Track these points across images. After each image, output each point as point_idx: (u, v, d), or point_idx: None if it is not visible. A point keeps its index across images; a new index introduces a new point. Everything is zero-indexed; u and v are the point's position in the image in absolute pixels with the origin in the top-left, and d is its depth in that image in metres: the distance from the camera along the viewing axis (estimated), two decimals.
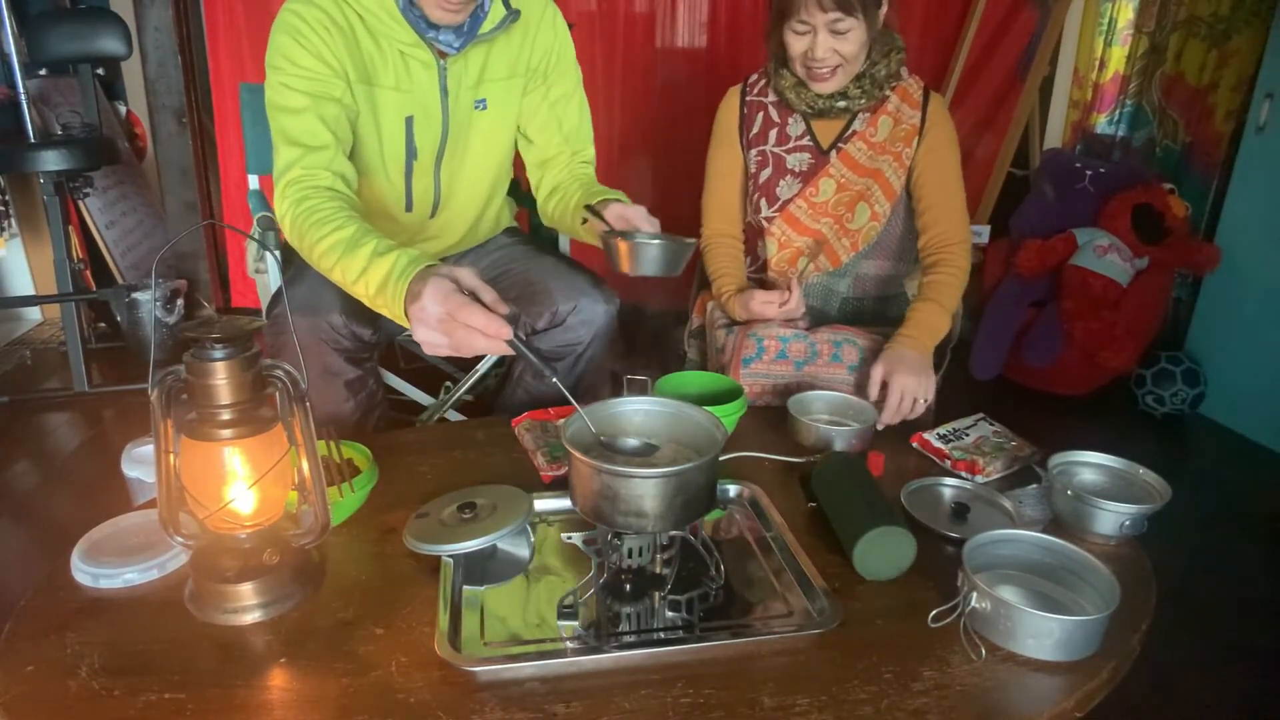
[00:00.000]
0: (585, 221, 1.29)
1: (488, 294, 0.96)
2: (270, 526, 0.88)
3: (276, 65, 1.22)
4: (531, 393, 1.50)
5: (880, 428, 1.27)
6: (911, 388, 1.27)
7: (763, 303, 1.42)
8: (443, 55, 1.30)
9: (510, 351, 0.94)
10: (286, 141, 1.22)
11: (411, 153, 1.36)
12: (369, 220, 1.24)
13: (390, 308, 1.02)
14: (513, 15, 1.31)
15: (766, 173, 1.55)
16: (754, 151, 1.56)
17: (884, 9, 1.41)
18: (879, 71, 1.45)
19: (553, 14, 1.41)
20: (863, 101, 1.46)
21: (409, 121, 1.33)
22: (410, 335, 1.00)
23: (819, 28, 1.36)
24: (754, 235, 1.62)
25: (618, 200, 1.27)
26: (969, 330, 2.57)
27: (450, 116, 1.36)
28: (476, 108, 1.38)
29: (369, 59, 1.27)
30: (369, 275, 1.05)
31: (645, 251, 1.14)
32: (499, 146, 1.46)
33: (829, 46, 1.37)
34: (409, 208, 1.42)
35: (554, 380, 0.92)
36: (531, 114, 1.44)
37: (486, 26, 1.29)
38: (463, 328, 0.92)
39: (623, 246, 1.14)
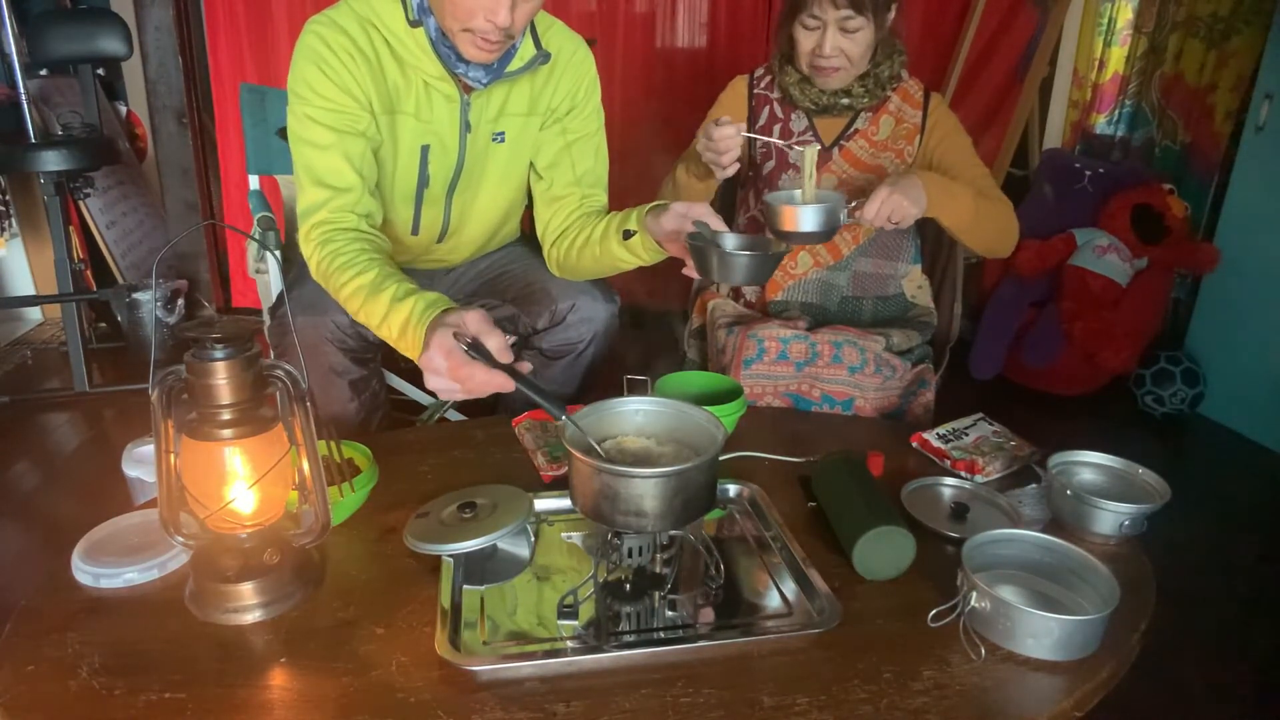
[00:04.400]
0: (629, 237, 1.25)
1: (493, 340, 0.96)
2: (270, 526, 0.88)
3: (300, 94, 1.20)
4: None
5: (856, 217, 1.30)
6: (892, 203, 1.28)
7: (720, 133, 1.28)
8: (467, 90, 1.28)
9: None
10: (312, 181, 1.21)
11: (423, 181, 1.34)
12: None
13: (412, 353, 1.04)
14: (542, 57, 1.28)
15: (770, 165, 1.55)
16: (759, 144, 1.56)
17: (892, 14, 1.42)
18: (882, 72, 1.46)
19: (582, 57, 1.39)
20: (865, 100, 1.47)
21: (424, 150, 1.31)
22: None
23: (829, 24, 1.37)
24: (754, 230, 1.62)
25: (667, 204, 1.21)
26: (969, 330, 2.57)
27: (467, 150, 1.34)
28: (494, 140, 1.36)
29: (393, 87, 1.25)
30: (390, 321, 1.06)
31: (736, 262, 1.10)
32: (514, 179, 1.44)
33: (836, 45, 1.38)
34: (415, 231, 1.42)
35: (563, 420, 0.92)
36: (545, 149, 1.41)
37: (515, 65, 1.26)
38: (470, 381, 0.95)
39: (713, 255, 1.10)
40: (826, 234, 1.30)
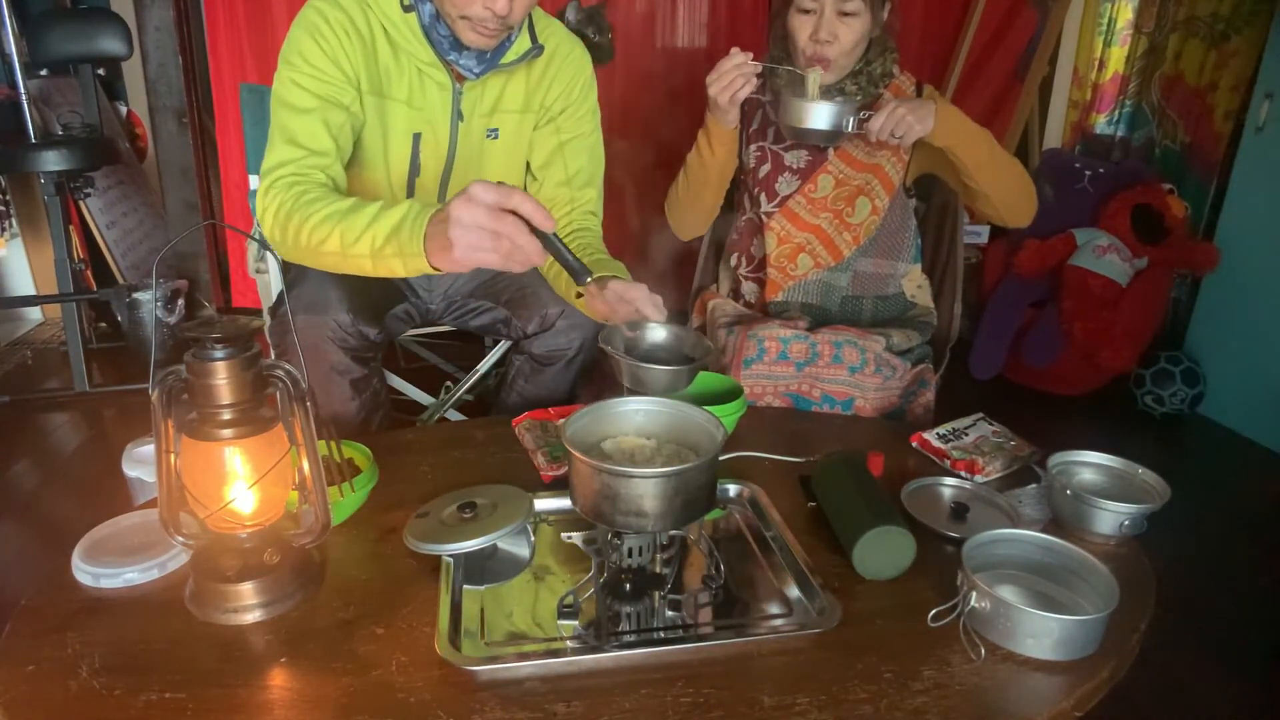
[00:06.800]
0: (580, 295, 1.23)
1: (528, 204, 0.89)
2: (271, 526, 0.88)
3: (290, 61, 1.21)
4: (526, 395, 1.50)
5: (864, 129, 1.35)
6: (896, 116, 1.32)
7: (732, 62, 1.33)
8: (460, 79, 1.29)
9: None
10: (286, 140, 1.20)
11: (415, 169, 1.35)
12: None
13: (405, 249, 0.98)
14: (536, 50, 1.29)
15: (765, 168, 1.55)
16: (753, 147, 1.56)
17: (886, 12, 1.42)
18: (875, 70, 1.47)
19: (579, 55, 1.39)
20: (859, 98, 1.47)
21: (416, 138, 1.31)
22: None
23: (826, 7, 1.37)
24: (751, 232, 1.63)
25: (615, 278, 1.14)
26: (969, 330, 2.57)
27: (459, 141, 1.34)
28: (489, 136, 1.36)
29: (385, 71, 1.26)
30: (377, 226, 1.01)
31: (646, 375, 1.02)
32: (511, 178, 1.43)
33: (832, 29, 1.38)
34: None
35: (589, 281, 0.92)
36: (538, 148, 1.41)
37: (509, 57, 1.27)
38: (505, 240, 0.88)
39: (622, 365, 1.03)
40: (833, 134, 1.38)
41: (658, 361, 1.04)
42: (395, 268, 1.03)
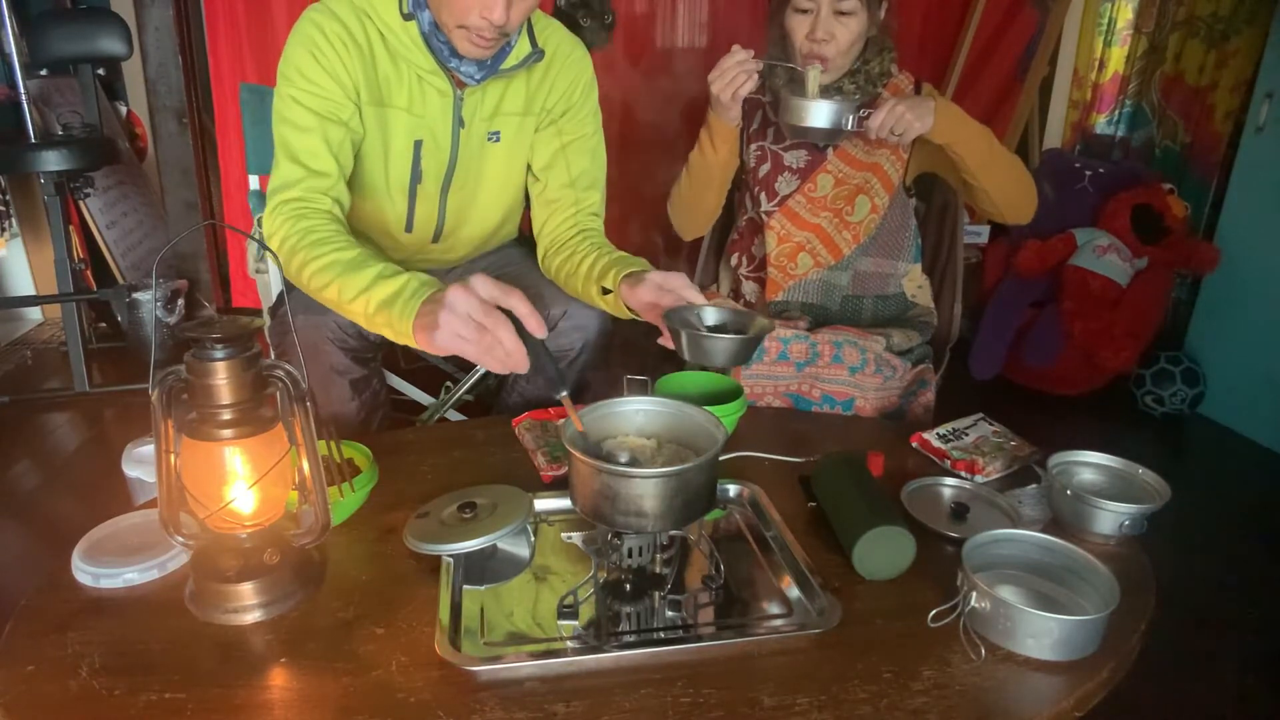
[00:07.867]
0: (607, 293, 1.23)
1: (522, 304, 0.90)
2: (271, 526, 0.88)
3: (288, 77, 1.21)
4: (526, 395, 1.50)
5: (864, 127, 1.36)
6: (896, 114, 1.33)
7: (735, 59, 1.35)
8: (461, 85, 1.29)
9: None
10: (289, 158, 1.20)
11: (416, 176, 1.34)
12: (367, 237, 1.20)
13: (394, 323, 1.00)
14: (537, 55, 1.29)
15: (765, 168, 1.55)
16: (754, 147, 1.56)
17: (883, 11, 1.42)
18: (873, 69, 1.47)
19: (579, 57, 1.39)
20: (857, 97, 1.47)
21: (417, 145, 1.31)
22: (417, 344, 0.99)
23: (823, 6, 1.38)
24: (752, 232, 1.63)
25: (645, 270, 1.16)
26: (969, 330, 2.57)
27: (461, 146, 1.34)
28: (490, 140, 1.36)
29: (384, 79, 1.25)
30: (372, 293, 1.03)
31: (714, 346, 1.05)
32: (512, 180, 1.43)
33: (829, 29, 1.39)
34: (409, 228, 1.41)
35: (564, 395, 0.91)
36: (540, 150, 1.40)
37: (509, 62, 1.26)
38: (489, 335, 0.90)
39: (685, 339, 1.05)
40: (833, 132, 1.39)
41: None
42: (384, 333, 1.04)
